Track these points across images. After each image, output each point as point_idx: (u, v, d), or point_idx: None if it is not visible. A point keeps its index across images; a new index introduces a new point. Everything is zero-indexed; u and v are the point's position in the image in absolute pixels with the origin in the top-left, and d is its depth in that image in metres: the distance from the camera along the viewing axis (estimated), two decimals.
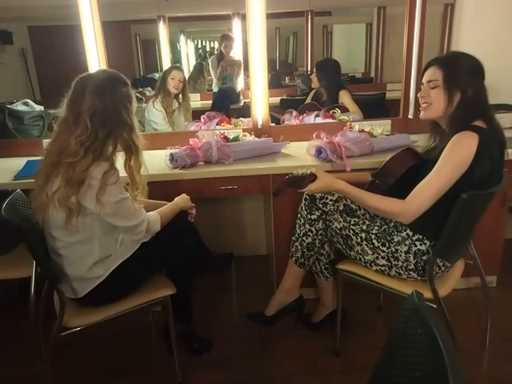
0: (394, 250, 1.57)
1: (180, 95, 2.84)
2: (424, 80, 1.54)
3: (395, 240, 1.58)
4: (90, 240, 1.46)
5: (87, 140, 1.36)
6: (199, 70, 3.72)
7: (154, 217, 1.58)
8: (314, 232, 1.78)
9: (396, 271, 1.58)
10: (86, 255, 1.47)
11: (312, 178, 1.53)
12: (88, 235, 1.45)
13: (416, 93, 2.38)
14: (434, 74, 1.50)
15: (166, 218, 1.63)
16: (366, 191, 1.55)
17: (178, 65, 3.65)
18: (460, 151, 1.39)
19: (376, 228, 1.63)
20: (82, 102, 1.37)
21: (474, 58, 1.47)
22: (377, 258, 1.61)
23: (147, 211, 1.60)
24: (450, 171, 1.40)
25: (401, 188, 1.58)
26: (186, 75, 3.62)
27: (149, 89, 3.40)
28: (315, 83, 2.88)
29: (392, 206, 1.48)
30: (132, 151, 1.49)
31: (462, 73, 1.45)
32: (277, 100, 3.14)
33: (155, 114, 2.75)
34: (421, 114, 1.58)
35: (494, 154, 1.43)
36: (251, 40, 2.26)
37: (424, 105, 1.55)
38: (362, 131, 2.18)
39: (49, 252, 1.50)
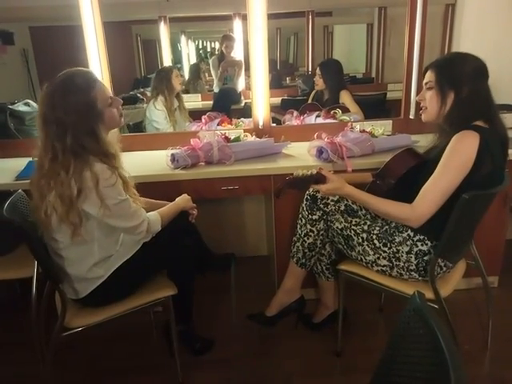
0: (395, 250, 1.57)
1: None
2: (423, 82, 1.57)
3: (396, 240, 1.58)
4: (90, 241, 1.46)
5: (54, 157, 1.34)
6: (195, 72, 3.72)
7: (155, 217, 1.58)
8: (316, 232, 1.78)
9: (397, 271, 1.58)
10: (86, 256, 1.47)
11: (318, 177, 1.52)
12: (88, 237, 1.45)
13: (417, 93, 2.39)
14: (429, 76, 1.53)
15: (166, 217, 1.62)
16: (374, 196, 1.54)
17: (179, 65, 3.67)
18: (461, 152, 1.39)
19: (377, 228, 1.63)
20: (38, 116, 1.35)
21: (474, 58, 1.47)
22: (378, 258, 1.61)
23: (148, 211, 1.60)
24: (453, 173, 1.40)
25: (402, 188, 1.58)
26: (186, 76, 3.66)
27: (150, 89, 3.40)
28: (319, 85, 2.85)
29: (400, 211, 1.48)
30: (107, 157, 1.40)
31: (456, 73, 1.46)
32: (278, 100, 3.14)
33: (157, 114, 2.75)
34: (422, 116, 1.59)
35: (496, 153, 1.43)
36: (252, 40, 2.26)
37: (422, 107, 1.57)
38: (363, 131, 2.18)
39: (49, 253, 1.50)
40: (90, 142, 1.36)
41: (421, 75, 2.37)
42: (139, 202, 1.57)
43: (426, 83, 1.54)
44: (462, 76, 1.45)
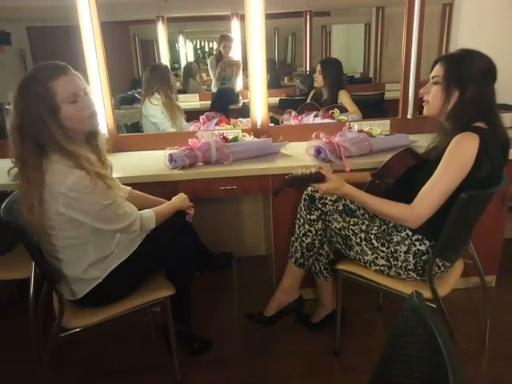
0: (393, 249, 1.57)
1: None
2: (430, 75, 1.54)
3: (394, 240, 1.58)
4: (84, 243, 1.46)
5: (15, 148, 1.33)
6: (188, 71, 3.72)
7: (149, 214, 1.57)
8: (314, 232, 1.78)
9: (395, 271, 1.58)
10: (82, 257, 1.47)
11: (317, 176, 1.51)
12: (81, 240, 1.45)
13: (415, 93, 2.40)
14: (437, 69, 1.50)
15: (162, 216, 1.61)
16: (373, 196, 1.54)
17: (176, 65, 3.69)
18: (461, 153, 1.39)
19: (375, 228, 1.63)
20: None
21: (485, 58, 1.45)
22: (376, 258, 1.61)
23: (145, 207, 1.59)
24: (453, 174, 1.40)
25: (400, 188, 1.58)
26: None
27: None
28: (319, 82, 2.84)
29: (399, 212, 1.47)
30: (69, 155, 1.34)
31: (465, 72, 1.44)
32: (276, 100, 3.14)
33: (153, 109, 2.75)
34: (423, 110, 1.58)
35: (494, 154, 1.43)
36: (250, 40, 2.26)
37: (425, 101, 1.55)
38: (361, 131, 2.18)
39: (46, 255, 1.49)
40: (44, 134, 1.32)
41: (419, 75, 2.38)
42: (125, 195, 1.55)
43: (433, 77, 1.51)
44: (470, 76, 1.43)
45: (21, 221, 1.37)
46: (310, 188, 1.78)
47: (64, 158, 1.34)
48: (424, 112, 1.58)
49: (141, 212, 1.55)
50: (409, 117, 2.47)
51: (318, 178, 1.51)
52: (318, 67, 2.85)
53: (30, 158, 1.32)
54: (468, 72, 1.44)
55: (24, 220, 1.36)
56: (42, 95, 1.31)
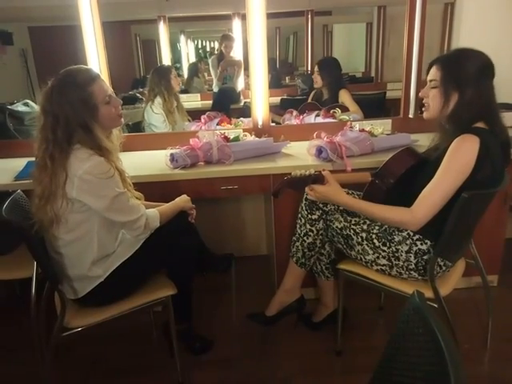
0: (394, 249, 1.57)
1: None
2: (427, 79, 1.54)
3: (396, 239, 1.57)
4: (89, 237, 1.47)
5: (46, 148, 1.39)
6: (193, 71, 3.73)
7: (153, 213, 1.59)
8: (315, 232, 1.78)
9: (397, 271, 1.58)
10: (85, 253, 1.47)
11: (316, 177, 1.50)
12: (86, 232, 1.46)
13: (416, 92, 2.39)
14: (434, 73, 1.50)
15: (165, 215, 1.62)
16: (370, 203, 1.53)
17: (178, 65, 3.68)
18: (462, 156, 1.38)
19: (377, 228, 1.63)
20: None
21: (481, 56, 1.44)
22: (377, 257, 1.60)
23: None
24: (454, 177, 1.39)
25: (401, 188, 1.57)
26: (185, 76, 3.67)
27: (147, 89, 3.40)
28: (318, 82, 2.84)
29: (399, 216, 1.47)
30: (101, 151, 1.43)
31: (462, 73, 1.43)
32: (277, 100, 3.14)
33: (155, 118, 2.74)
34: (423, 114, 1.58)
35: (495, 155, 1.42)
36: (251, 40, 2.26)
37: (425, 105, 1.55)
38: (363, 131, 2.18)
39: (49, 252, 1.50)
40: (81, 134, 1.40)
41: (420, 74, 2.37)
42: (136, 196, 1.60)
43: (431, 81, 1.50)
44: (467, 77, 1.42)
45: (30, 214, 1.42)
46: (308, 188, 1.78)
47: (88, 148, 1.40)
48: (424, 116, 1.57)
49: (146, 211, 1.56)
50: (410, 116, 2.46)
51: (317, 178, 1.51)
52: (316, 68, 2.85)
53: (58, 155, 1.38)
54: (465, 73, 1.43)
55: (34, 211, 1.41)
56: (85, 99, 1.40)
